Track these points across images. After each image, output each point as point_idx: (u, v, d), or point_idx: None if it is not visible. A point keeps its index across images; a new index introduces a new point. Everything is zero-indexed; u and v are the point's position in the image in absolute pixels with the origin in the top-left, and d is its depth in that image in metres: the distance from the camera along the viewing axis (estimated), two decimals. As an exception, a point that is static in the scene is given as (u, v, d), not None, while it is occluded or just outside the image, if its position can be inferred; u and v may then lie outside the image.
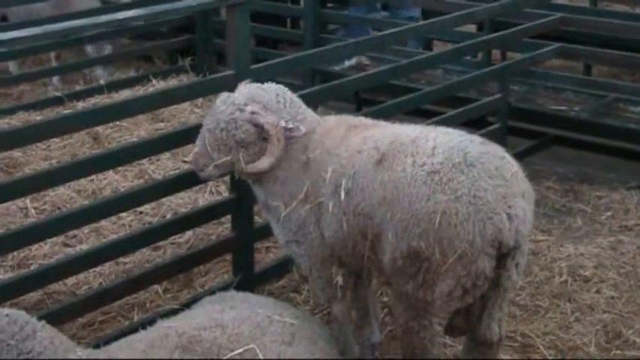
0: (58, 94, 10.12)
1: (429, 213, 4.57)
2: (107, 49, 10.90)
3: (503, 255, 4.63)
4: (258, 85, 5.38)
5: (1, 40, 5.67)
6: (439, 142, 4.77)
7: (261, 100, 5.22)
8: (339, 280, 5.28)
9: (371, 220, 4.86)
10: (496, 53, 10.69)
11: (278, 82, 8.49)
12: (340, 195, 4.97)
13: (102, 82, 10.49)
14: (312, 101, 5.94)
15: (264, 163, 5.21)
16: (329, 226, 5.09)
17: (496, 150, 4.80)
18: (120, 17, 5.98)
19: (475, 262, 4.58)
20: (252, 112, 5.12)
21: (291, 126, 5.20)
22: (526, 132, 8.93)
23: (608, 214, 7.66)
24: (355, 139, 5.07)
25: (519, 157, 8.29)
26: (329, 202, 5.06)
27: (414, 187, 4.65)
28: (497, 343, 5.02)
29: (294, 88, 5.66)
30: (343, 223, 4.99)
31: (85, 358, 4.15)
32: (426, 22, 8.49)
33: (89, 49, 11.04)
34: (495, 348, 5.06)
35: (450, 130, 5.02)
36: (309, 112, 5.39)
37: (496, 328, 4.93)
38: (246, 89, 5.32)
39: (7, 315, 4.11)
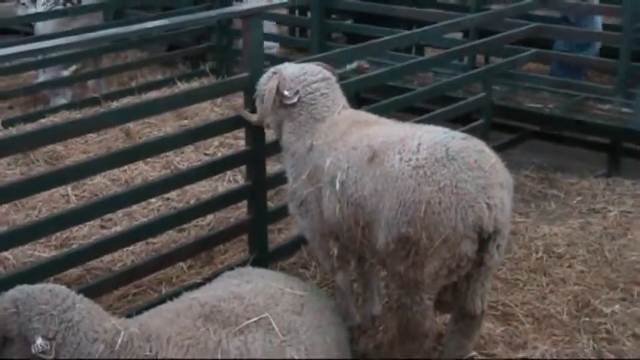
0: (95, 95, 10.11)
1: (415, 203, 4.56)
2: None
3: (484, 239, 4.62)
4: (304, 65, 5.58)
5: (43, 47, 5.70)
6: (424, 139, 4.75)
7: (286, 74, 5.42)
8: (335, 251, 5.29)
9: (362, 209, 4.87)
10: (480, 57, 10.66)
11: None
12: (335, 185, 4.99)
13: (103, 91, 10.41)
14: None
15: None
16: (327, 209, 5.11)
17: (476, 144, 4.77)
18: (149, 26, 5.98)
19: (458, 245, 4.58)
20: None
21: (285, 93, 5.35)
22: (507, 127, 8.93)
23: (579, 198, 7.66)
24: (353, 137, 5.08)
25: (501, 149, 8.29)
26: (326, 189, 5.10)
27: (402, 180, 4.63)
28: (480, 315, 5.03)
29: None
30: (337, 210, 5.01)
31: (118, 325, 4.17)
32: (418, 30, 8.44)
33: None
34: (478, 319, 5.07)
35: (436, 128, 5.00)
36: (335, 102, 5.42)
37: (479, 302, 4.93)
38: (291, 66, 5.58)
39: (50, 290, 4.13)
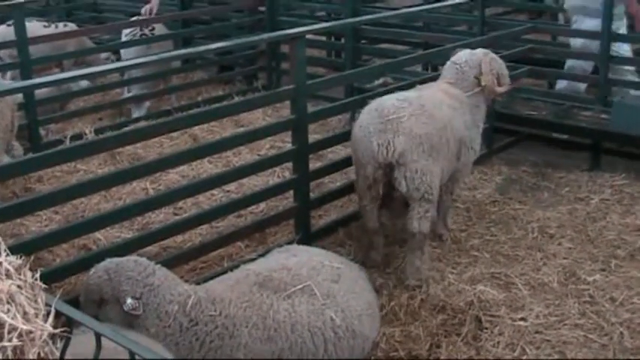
0: (167, 107, 10.18)
1: (352, 135, 5.75)
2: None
3: (390, 167, 5.41)
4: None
5: (124, 65, 5.75)
6: (378, 100, 5.73)
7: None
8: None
9: None
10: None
11: (326, 96, 8.48)
12: None
13: (174, 104, 10.38)
14: (350, 108, 6.00)
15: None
16: None
17: (403, 104, 5.53)
18: (212, 47, 6.02)
19: (366, 167, 5.49)
20: None
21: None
22: (508, 131, 8.84)
23: (567, 189, 7.60)
24: None
25: (503, 148, 8.40)
26: None
27: (354, 127, 5.77)
28: (418, 234, 5.62)
29: (336, 100, 5.89)
30: None
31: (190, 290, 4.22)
32: (433, 50, 8.43)
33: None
34: (417, 237, 5.64)
35: (402, 94, 5.84)
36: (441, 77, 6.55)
37: (414, 224, 5.57)
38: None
39: (134, 260, 4.19)
